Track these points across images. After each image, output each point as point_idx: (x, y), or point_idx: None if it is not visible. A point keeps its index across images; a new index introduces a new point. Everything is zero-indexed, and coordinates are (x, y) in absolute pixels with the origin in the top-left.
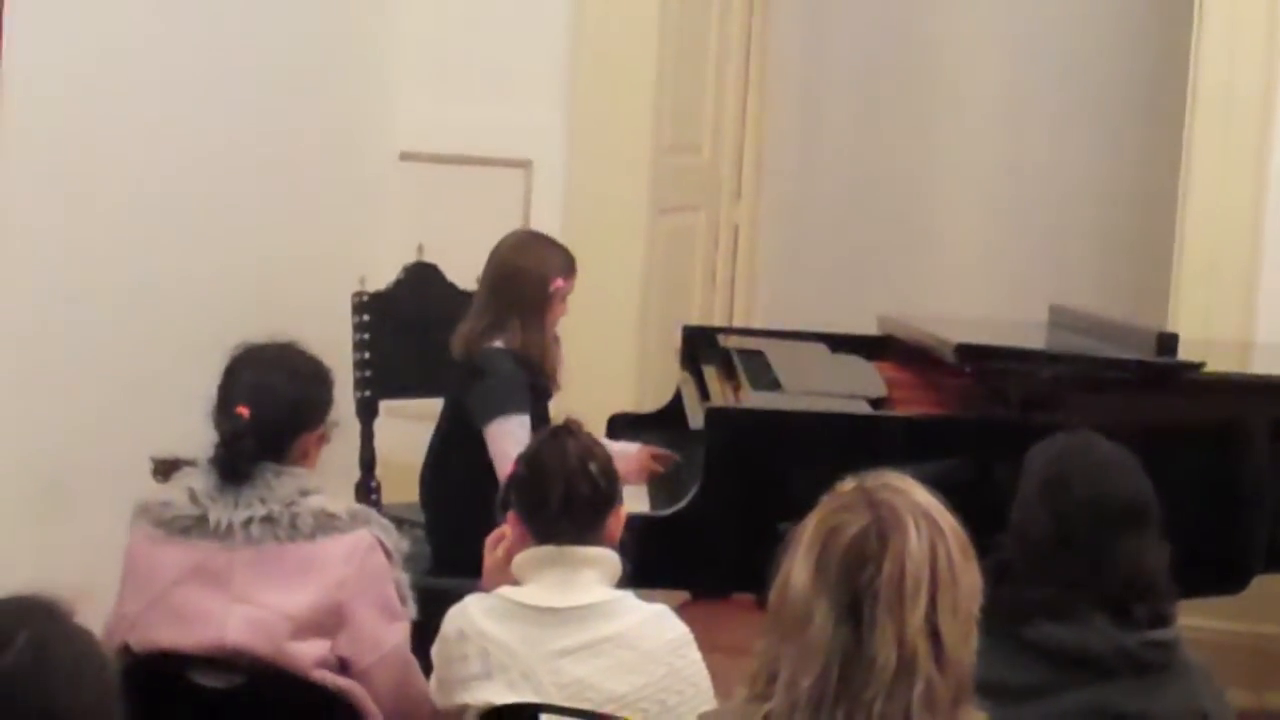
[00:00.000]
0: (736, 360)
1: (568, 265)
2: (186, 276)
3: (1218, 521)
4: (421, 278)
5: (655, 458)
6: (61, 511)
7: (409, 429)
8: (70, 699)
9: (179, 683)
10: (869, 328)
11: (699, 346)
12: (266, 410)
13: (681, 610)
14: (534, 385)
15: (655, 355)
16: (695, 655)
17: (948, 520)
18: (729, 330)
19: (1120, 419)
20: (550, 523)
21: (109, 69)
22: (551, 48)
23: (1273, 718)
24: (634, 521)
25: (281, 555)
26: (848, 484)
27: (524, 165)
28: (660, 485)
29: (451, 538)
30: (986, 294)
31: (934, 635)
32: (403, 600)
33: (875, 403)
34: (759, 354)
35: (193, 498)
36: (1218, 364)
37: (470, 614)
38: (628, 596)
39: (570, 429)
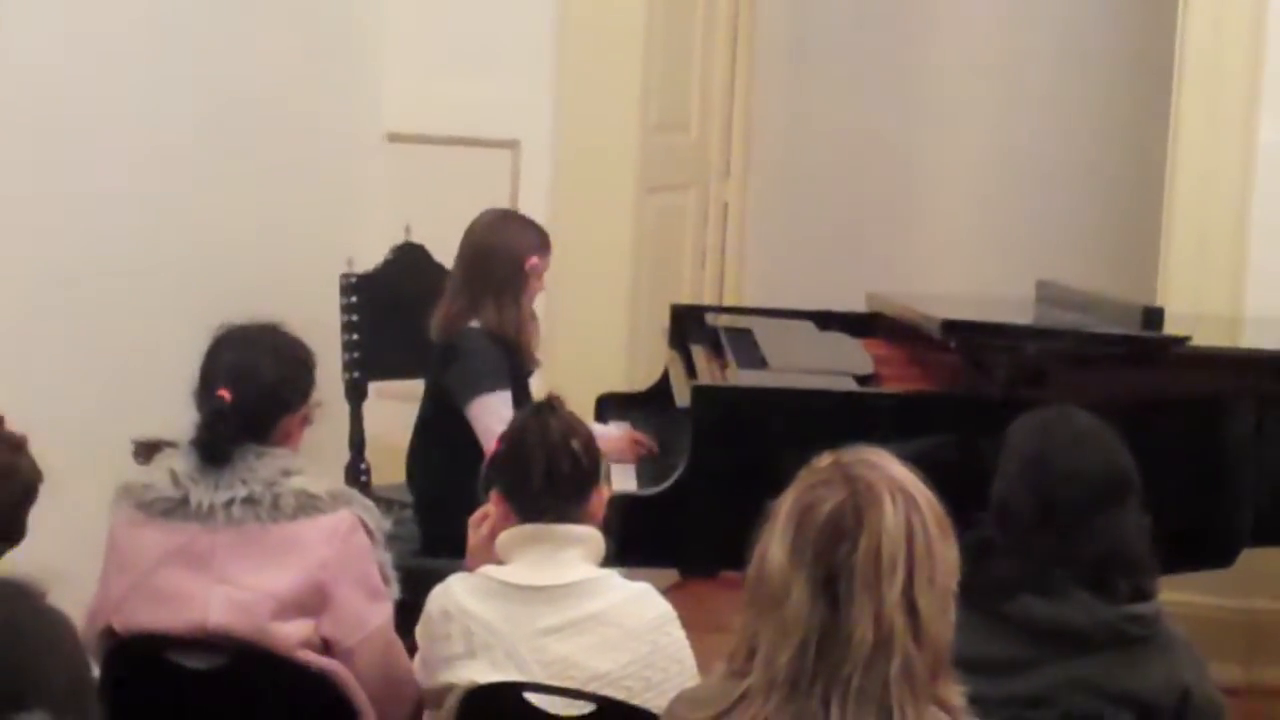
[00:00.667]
0: (724, 338)
1: (542, 243)
2: (173, 258)
3: (1205, 495)
4: (409, 258)
5: (637, 441)
6: (44, 493)
7: (398, 410)
8: (41, 678)
9: (162, 664)
10: (858, 305)
11: (687, 325)
12: (248, 392)
13: (670, 589)
14: (513, 364)
15: (645, 334)
16: (679, 633)
17: (924, 495)
18: (717, 309)
19: (1107, 394)
20: (533, 500)
21: (96, 50)
22: (538, 27)
23: (1263, 692)
24: (621, 500)
25: (263, 536)
26: (824, 459)
27: (511, 145)
28: (647, 464)
29: (438, 518)
30: (975, 270)
31: (911, 610)
32: (386, 580)
33: (862, 379)
34: (746, 332)
35: (174, 479)
36: (1205, 338)
37: (454, 593)
38: (611, 575)
39: (552, 406)
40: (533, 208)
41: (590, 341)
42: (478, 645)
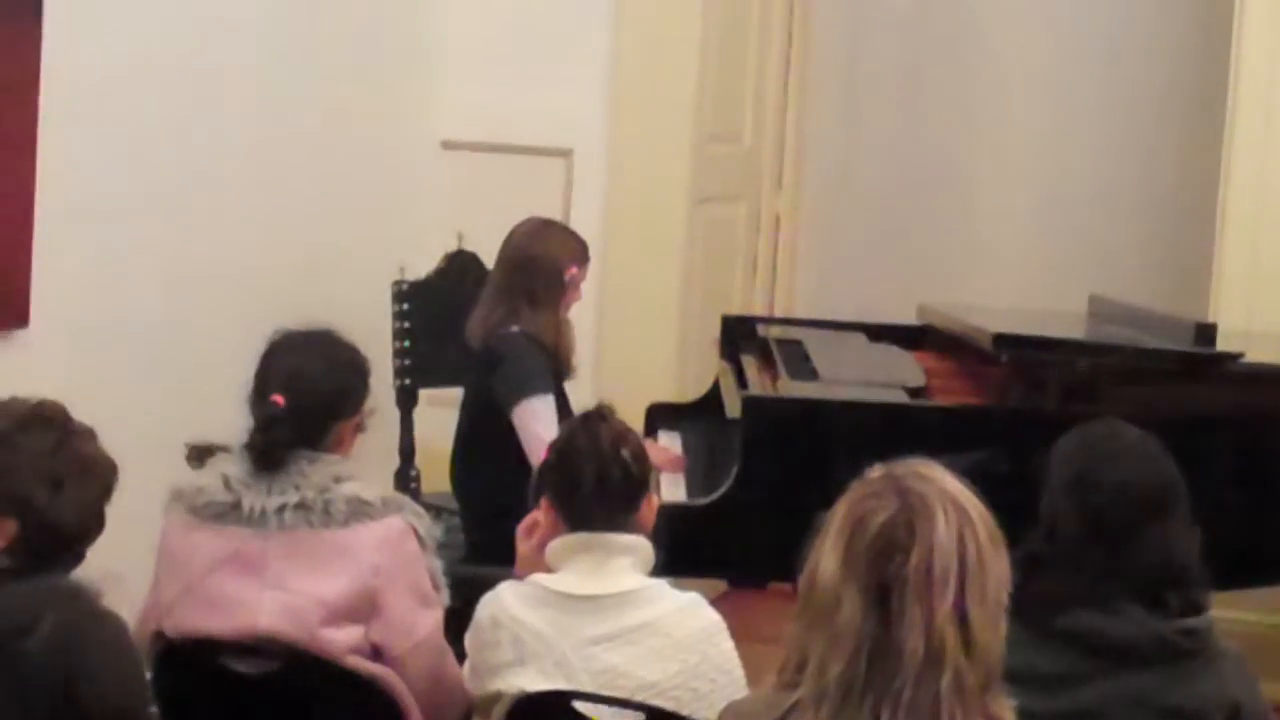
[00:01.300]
0: (775, 350)
1: (581, 252)
2: (227, 263)
3: (1257, 513)
4: (461, 266)
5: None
6: None
7: (448, 417)
8: (96, 681)
9: (213, 669)
10: (908, 317)
11: (738, 336)
12: (302, 398)
13: (719, 600)
14: (550, 370)
15: (695, 345)
16: (728, 644)
17: (976, 508)
18: (768, 320)
19: (1159, 409)
20: (583, 509)
21: (153, 57)
22: (593, 37)
23: None
24: (670, 510)
25: (315, 542)
26: (876, 471)
27: (565, 154)
28: (696, 474)
29: (485, 525)
30: (1026, 284)
31: (962, 623)
32: (436, 587)
33: (913, 392)
34: (797, 343)
35: (226, 484)
36: (1258, 354)
37: (504, 601)
38: (661, 584)
39: (602, 414)
40: (585, 217)
41: (640, 351)
42: (527, 653)
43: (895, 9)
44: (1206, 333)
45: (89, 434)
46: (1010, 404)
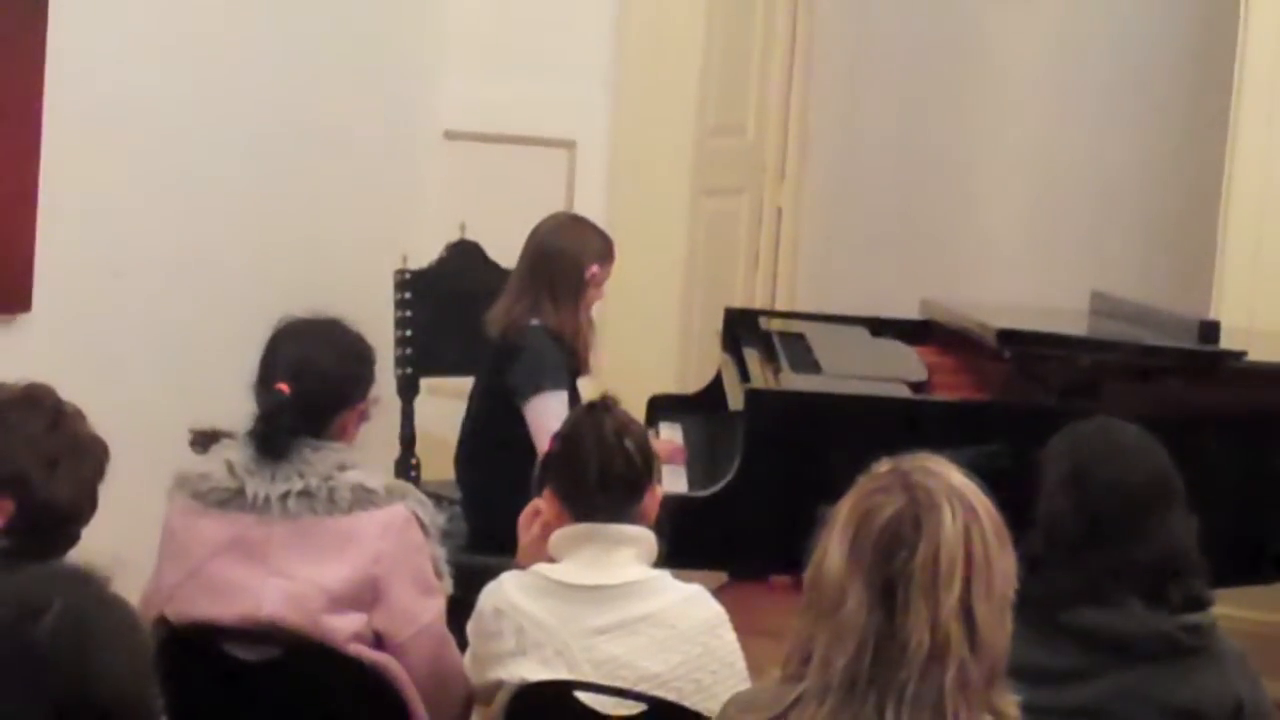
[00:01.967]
0: (777, 343)
1: (605, 250)
2: (230, 251)
3: (1258, 510)
4: (464, 256)
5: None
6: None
7: (449, 406)
8: (105, 666)
9: (215, 655)
10: (911, 311)
11: (740, 329)
12: (307, 386)
13: (719, 592)
14: (567, 366)
15: (697, 337)
16: (730, 636)
17: (983, 503)
18: (771, 313)
19: (1161, 407)
20: (586, 499)
21: (158, 46)
22: (597, 28)
23: None
24: (672, 502)
25: (318, 529)
26: (883, 465)
27: (568, 145)
28: (698, 466)
29: (488, 515)
30: (1029, 280)
31: (968, 619)
32: (439, 575)
33: (915, 386)
34: (800, 337)
35: (230, 470)
36: (1260, 353)
37: (506, 590)
38: (664, 576)
39: (607, 405)
40: (588, 208)
41: (642, 343)
42: (529, 643)
43: (898, 3)
44: (1210, 330)
45: (79, 415)
46: (1013, 400)
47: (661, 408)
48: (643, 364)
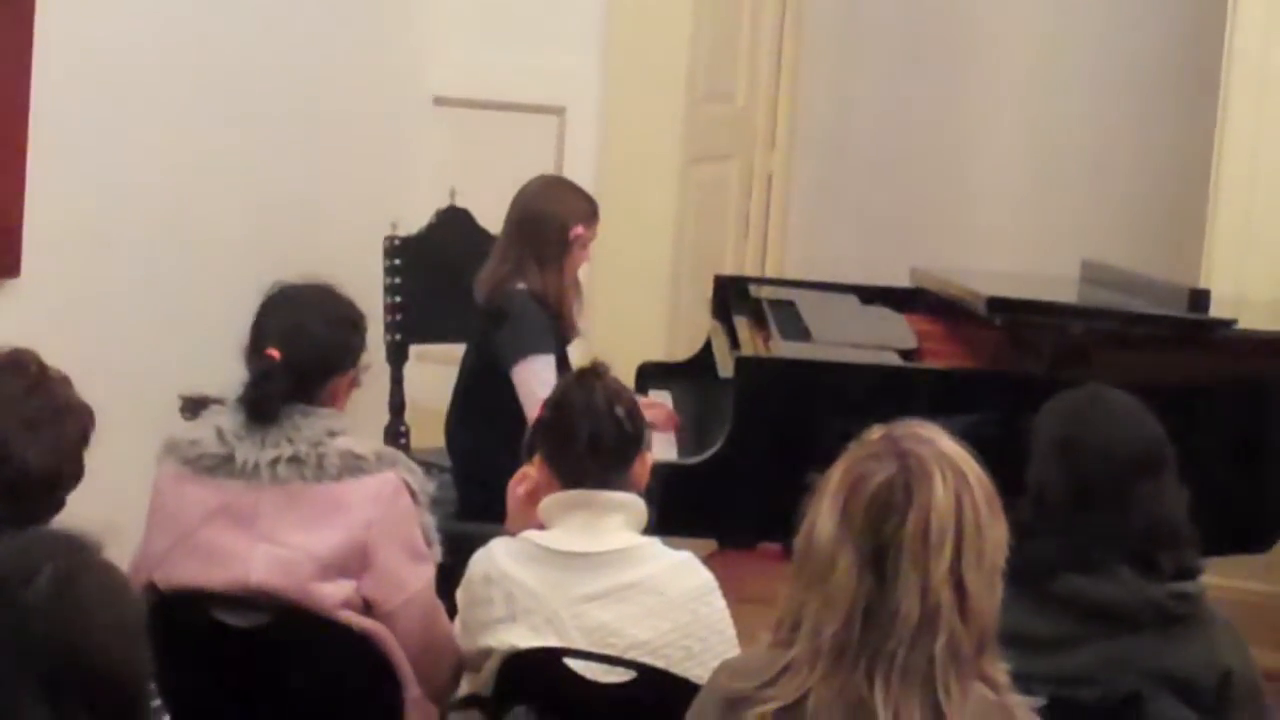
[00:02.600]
0: (767, 310)
1: (590, 212)
2: (220, 217)
3: (1247, 479)
4: (453, 222)
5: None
6: (90, 447)
7: (439, 373)
8: (96, 632)
9: (204, 621)
10: (901, 279)
11: (730, 296)
12: (298, 352)
13: (708, 560)
14: (553, 330)
15: (687, 304)
16: (720, 603)
17: (975, 471)
18: (761, 280)
19: (1151, 375)
20: (576, 466)
21: (146, 11)
22: None
23: None
24: (661, 469)
25: (308, 496)
26: (875, 432)
27: (558, 112)
28: (688, 434)
29: (478, 482)
30: (1019, 249)
31: (958, 586)
32: (428, 543)
33: (905, 354)
34: (790, 304)
35: (220, 437)
36: (1250, 321)
37: (495, 557)
38: (654, 543)
39: (597, 371)
40: (577, 175)
41: (631, 310)
42: (518, 610)
43: None
44: (1200, 299)
45: (63, 379)
46: (1002, 367)
47: (651, 375)
48: (632, 331)
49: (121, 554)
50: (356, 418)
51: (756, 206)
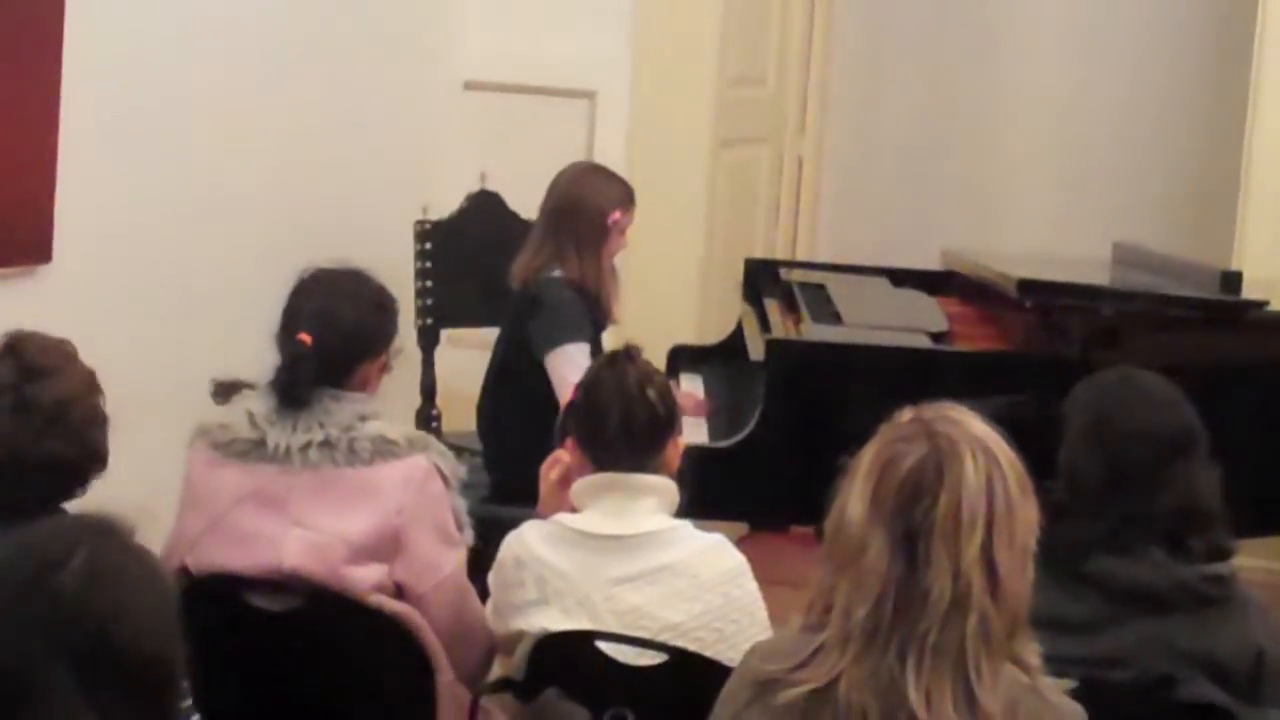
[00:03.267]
0: (798, 293)
1: (626, 198)
2: (251, 202)
3: (1279, 460)
4: (484, 207)
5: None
6: (122, 431)
7: (470, 357)
8: (129, 616)
9: (236, 605)
10: (930, 262)
11: (761, 279)
12: (329, 337)
13: (740, 543)
14: (591, 317)
15: (717, 288)
16: (752, 585)
17: (1005, 453)
18: (791, 264)
19: (1183, 357)
20: (608, 449)
21: None
22: None
23: None
24: (692, 452)
25: (340, 480)
26: (906, 414)
27: (588, 96)
28: (718, 417)
29: (509, 466)
30: (1050, 231)
31: (989, 568)
32: (460, 527)
33: (936, 337)
34: (820, 287)
35: (251, 421)
36: None
37: (527, 540)
38: (685, 525)
39: (630, 355)
40: (608, 159)
41: (663, 294)
42: (550, 593)
43: None
44: (1232, 281)
45: (68, 364)
46: (1034, 350)
47: (682, 358)
48: (663, 315)
49: (154, 538)
50: (388, 402)
51: (787, 190)
